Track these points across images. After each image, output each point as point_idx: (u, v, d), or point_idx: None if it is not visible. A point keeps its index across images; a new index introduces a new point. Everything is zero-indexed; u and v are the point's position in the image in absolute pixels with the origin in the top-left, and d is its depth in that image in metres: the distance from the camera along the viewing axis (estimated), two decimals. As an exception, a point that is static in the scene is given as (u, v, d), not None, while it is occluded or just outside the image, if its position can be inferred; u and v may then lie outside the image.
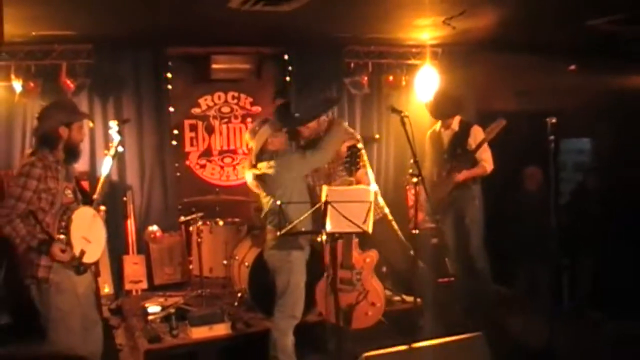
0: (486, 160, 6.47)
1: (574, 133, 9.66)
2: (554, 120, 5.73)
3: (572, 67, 9.21)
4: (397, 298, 6.66)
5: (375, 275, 5.66)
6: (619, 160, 8.86)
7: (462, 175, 6.40)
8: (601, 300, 7.16)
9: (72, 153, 4.62)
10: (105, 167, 4.96)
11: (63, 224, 4.36)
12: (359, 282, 5.49)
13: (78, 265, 4.44)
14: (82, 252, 4.43)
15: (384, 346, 4.34)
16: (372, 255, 5.61)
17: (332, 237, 4.86)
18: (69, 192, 4.56)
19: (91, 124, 7.13)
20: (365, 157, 5.59)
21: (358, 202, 4.68)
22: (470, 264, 6.60)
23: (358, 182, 5.36)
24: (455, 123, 6.62)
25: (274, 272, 5.43)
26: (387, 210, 6.31)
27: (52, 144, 4.51)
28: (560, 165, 9.77)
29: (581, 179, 8.87)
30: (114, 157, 4.97)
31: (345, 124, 5.95)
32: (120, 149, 5.05)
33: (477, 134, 6.48)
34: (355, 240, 5.48)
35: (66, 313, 4.47)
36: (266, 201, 5.38)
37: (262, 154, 5.39)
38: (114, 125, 5.05)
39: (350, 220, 4.64)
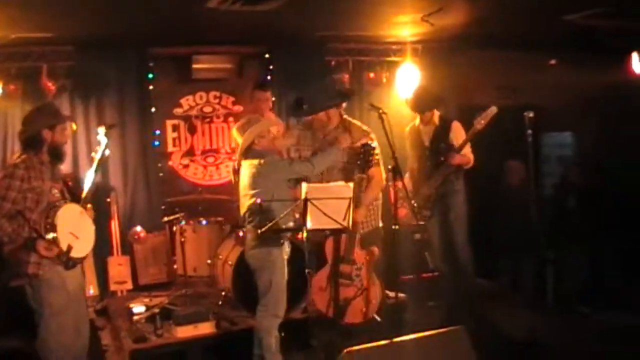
0: (468, 152, 6.49)
1: (556, 127, 9.72)
2: (531, 115, 5.77)
3: (553, 61, 9.27)
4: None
5: (375, 272, 5.64)
6: (601, 154, 8.94)
7: (457, 159, 6.29)
8: (588, 294, 7.22)
9: (56, 155, 4.75)
10: (91, 171, 5.05)
11: (49, 220, 4.46)
12: (357, 278, 5.48)
13: (67, 261, 4.55)
14: (70, 247, 4.52)
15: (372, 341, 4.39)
16: (374, 252, 5.60)
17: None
18: (55, 191, 4.68)
19: (74, 127, 7.12)
20: (378, 155, 5.55)
21: (338, 199, 4.72)
22: (454, 259, 6.61)
23: (370, 179, 5.42)
24: (435, 118, 6.59)
25: (256, 272, 5.42)
26: None
27: (36, 147, 4.65)
28: (543, 158, 9.86)
29: (563, 172, 8.94)
30: (100, 160, 5.09)
31: (359, 123, 5.89)
32: (107, 152, 5.16)
33: (457, 130, 6.49)
34: (358, 236, 5.48)
35: (58, 309, 4.60)
36: (245, 200, 5.37)
37: (247, 152, 5.37)
38: (101, 130, 5.16)
39: (329, 217, 4.68)
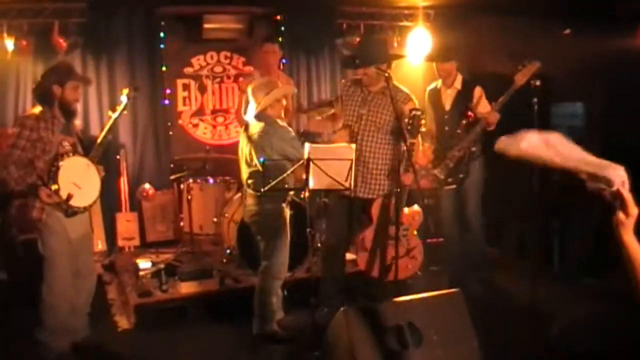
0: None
1: (567, 97, 9.68)
2: (538, 83, 5.75)
3: (567, 31, 9.20)
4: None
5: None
6: (611, 124, 8.91)
7: (493, 117, 6.10)
8: (592, 263, 7.24)
9: (66, 111, 4.92)
10: (105, 129, 5.22)
11: (53, 169, 4.67)
12: (404, 238, 5.64)
13: (67, 208, 4.77)
14: (70, 196, 4.71)
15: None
16: (419, 213, 5.80)
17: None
18: (66, 144, 4.84)
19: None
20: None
21: (340, 160, 4.77)
22: (466, 225, 6.61)
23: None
24: (458, 82, 6.47)
25: (260, 235, 5.49)
26: None
27: (48, 102, 4.86)
28: (553, 128, 9.81)
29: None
30: (117, 118, 5.30)
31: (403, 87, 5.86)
32: (125, 112, 5.40)
33: (479, 95, 6.42)
34: (405, 197, 5.56)
35: (57, 254, 4.84)
36: (246, 165, 5.42)
37: (258, 115, 5.37)
38: (125, 91, 5.38)
39: (331, 177, 4.73)
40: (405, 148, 5.32)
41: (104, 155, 7.18)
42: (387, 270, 5.56)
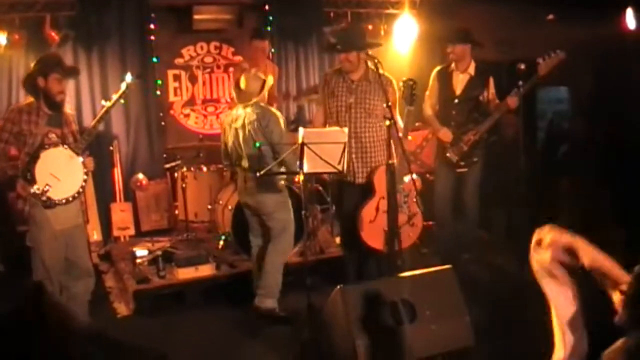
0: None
1: (552, 82, 9.80)
2: (522, 66, 5.88)
3: (550, 16, 9.33)
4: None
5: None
6: (597, 108, 9.04)
7: (514, 102, 6.16)
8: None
9: (51, 102, 4.88)
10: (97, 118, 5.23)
11: (31, 160, 4.69)
12: (406, 205, 5.67)
13: (45, 200, 4.73)
14: (44, 189, 4.70)
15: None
16: (418, 180, 5.91)
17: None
18: (53, 135, 4.85)
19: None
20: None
21: (333, 144, 4.89)
22: (463, 208, 6.70)
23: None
24: (472, 68, 6.52)
25: (268, 215, 5.68)
26: None
27: (35, 93, 4.88)
28: (539, 113, 9.95)
29: (556, 122, 9.02)
30: (111, 107, 5.19)
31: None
32: (121, 101, 5.33)
33: (492, 86, 6.51)
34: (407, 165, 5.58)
35: (41, 244, 4.86)
36: (247, 149, 5.56)
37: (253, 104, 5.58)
38: (128, 77, 5.24)
39: (325, 161, 4.85)
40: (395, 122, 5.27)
41: (97, 146, 7.35)
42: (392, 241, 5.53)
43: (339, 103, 5.69)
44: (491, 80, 6.52)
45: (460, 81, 6.52)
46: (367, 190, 5.65)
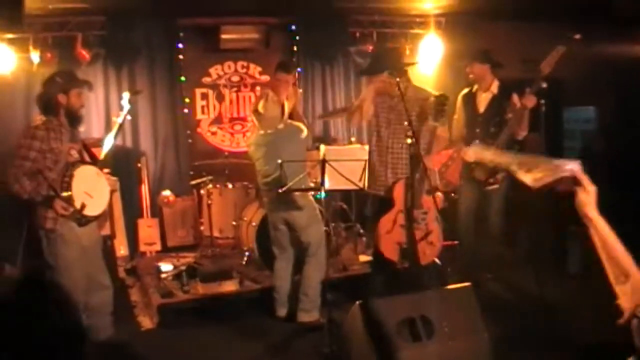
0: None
1: (579, 101, 9.78)
2: (544, 85, 5.87)
3: (577, 36, 9.31)
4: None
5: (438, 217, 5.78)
6: (624, 127, 9.00)
7: (531, 101, 6.08)
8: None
9: (73, 117, 4.96)
10: (110, 135, 5.35)
11: (66, 179, 4.73)
12: (423, 222, 5.59)
13: (80, 218, 4.80)
14: (83, 206, 4.77)
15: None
16: (439, 198, 5.87)
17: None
18: (74, 152, 4.93)
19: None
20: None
21: (354, 161, 4.95)
22: (488, 226, 6.68)
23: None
24: (495, 87, 6.54)
25: (304, 230, 5.79)
26: None
27: (54, 110, 4.89)
28: (566, 133, 9.93)
29: (585, 142, 8.99)
30: (121, 125, 5.37)
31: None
32: (128, 117, 5.47)
33: (514, 101, 6.42)
34: (427, 182, 5.54)
35: (70, 262, 4.85)
36: (273, 165, 5.62)
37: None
38: (126, 95, 5.44)
39: (346, 178, 4.91)
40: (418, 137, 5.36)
41: (125, 163, 7.50)
42: (406, 255, 5.54)
43: (382, 119, 5.67)
44: (514, 98, 6.50)
45: (483, 100, 6.53)
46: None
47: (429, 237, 5.64)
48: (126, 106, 5.38)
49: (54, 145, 4.77)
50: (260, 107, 5.74)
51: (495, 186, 6.44)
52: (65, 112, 4.89)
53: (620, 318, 2.36)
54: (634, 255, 2.43)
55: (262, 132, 5.85)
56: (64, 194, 4.69)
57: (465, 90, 6.75)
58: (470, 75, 6.58)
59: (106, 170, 5.19)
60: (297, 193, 5.53)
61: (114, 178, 5.25)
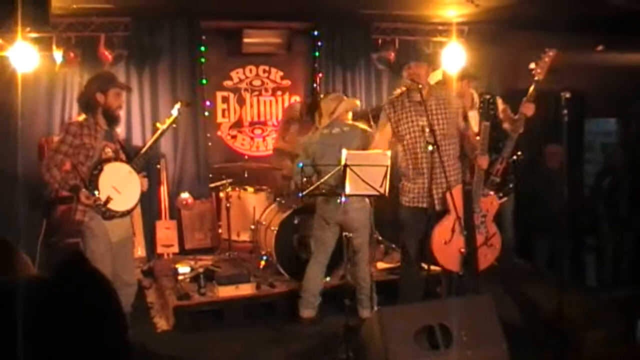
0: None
1: (601, 113, 9.73)
2: (567, 95, 5.79)
3: (600, 47, 9.28)
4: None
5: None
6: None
7: (529, 108, 5.75)
8: (629, 281, 7.25)
9: (110, 117, 5.07)
10: (152, 140, 5.47)
11: (95, 172, 4.85)
12: (483, 225, 5.53)
13: (105, 211, 4.90)
14: (108, 199, 4.86)
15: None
16: (495, 199, 5.69)
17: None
18: (109, 150, 5.03)
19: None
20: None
21: (376, 166, 4.93)
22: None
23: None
24: (476, 101, 6.51)
25: (357, 231, 5.77)
26: None
27: (92, 109, 5.02)
28: (587, 145, 9.87)
29: (607, 156, 8.94)
30: (165, 130, 5.47)
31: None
32: (173, 126, 5.60)
33: (502, 107, 6.46)
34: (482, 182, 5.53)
35: (98, 256, 4.90)
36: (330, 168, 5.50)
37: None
38: (177, 106, 5.63)
39: (367, 183, 4.89)
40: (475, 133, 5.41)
41: (144, 164, 7.50)
42: (468, 262, 5.38)
43: (411, 127, 5.43)
44: (498, 101, 6.47)
45: (472, 118, 6.25)
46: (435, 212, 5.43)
47: (491, 240, 5.55)
48: (174, 114, 5.52)
49: (87, 140, 4.91)
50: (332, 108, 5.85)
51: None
52: (103, 111, 5.01)
53: None
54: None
55: (326, 131, 5.88)
56: (91, 187, 4.81)
57: None
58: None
59: (143, 173, 5.27)
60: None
61: (145, 179, 5.28)
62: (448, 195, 5.26)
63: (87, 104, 5.04)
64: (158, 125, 5.56)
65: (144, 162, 5.25)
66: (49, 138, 7.38)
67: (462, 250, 5.25)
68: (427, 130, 5.17)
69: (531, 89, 5.82)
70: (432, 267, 5.61)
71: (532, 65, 5.79)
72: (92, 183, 4.82)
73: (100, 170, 4.86)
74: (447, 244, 5.35)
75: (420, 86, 5.17)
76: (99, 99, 4.98)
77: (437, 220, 5.37)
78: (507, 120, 6.31)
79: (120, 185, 4.97)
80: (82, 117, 5.04)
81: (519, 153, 6.35)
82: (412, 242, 5.59)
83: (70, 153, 4.88)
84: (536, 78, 5.79)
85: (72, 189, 4.86)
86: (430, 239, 5.34)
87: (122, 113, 7.60)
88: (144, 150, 5.30)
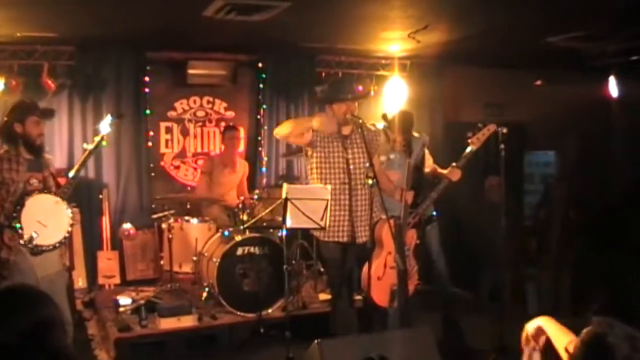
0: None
1: (540, 146, 9.95)
2: (504, 131, 5.95)
3: (538, 82, 9.54)
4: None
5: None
6: (583, 172, 9.15)
7: (456, 174, 5.87)
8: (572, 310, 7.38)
9: (31, 146, 4.87)
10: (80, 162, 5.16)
11: (17, 208, 4.64)
12: (407, 258, 5.45)
13: (33, 247, 4.68)
14: (31, 237, 4.65)
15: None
16: (415, 234, 5.69)
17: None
18: (34, 181, 4.84)
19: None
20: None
21: (317, 200, 4.98)
22: (430, 269, 6.71)
23: None
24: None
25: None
26: None
27: (12, 140, 4.84)
28: (527, 177, 10.08)
29: (546, 187, 9.13)
30: (94, 149, 5.14)
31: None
32: (104, 143, 5.23)
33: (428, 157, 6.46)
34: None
35: None
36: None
37: None
38: (108, 118, 5.22)
39: (308, 217, 4.94)
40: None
41: (87, 194, 7.45)
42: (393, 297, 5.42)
43: (337, 160, 5.42)
44: (426, 152, 6.38)
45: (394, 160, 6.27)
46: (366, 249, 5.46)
47: (411, 272, 5.57)
48: (104, 130, 5.15)
49: (7, 175, 4.72)
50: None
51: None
52: (23, 141, 4.83)
53: None
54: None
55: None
56: (14, 223, 4.61)
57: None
58: None
59: (75, 209, 5.06)
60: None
61: (76, 209, 5.11)
62: (379, 230, 5.34)
63: (7, 135, 4.86)
64: (85, 146, 5.27)
65: (71, 188, 4.97)
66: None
67: (394, 286, 5.31)
68: (350, 164, 5.32)
69: (463, 156, 5.90)
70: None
71: (470, 134, 5.89)
72: (15, 220, 4.62)
73: (22, 205, 4.65)
74: (380, 279, 5.40)
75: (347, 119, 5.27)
76: (17, 129, 4.80)
77: (368, 257, 5.38)
78: (431, 171, 6.33)
79: (46, 219, 4.74)
80: (4, 149, 4.84)
81: (434, 214, 6.40)
82: (338, 276, 5.62)
83: None
84: (470, 148, 5.88)
85: None
86: (367, 274, 5.37)
87: (64, 141, 7.66)
88: (71, 174, 5.02)
